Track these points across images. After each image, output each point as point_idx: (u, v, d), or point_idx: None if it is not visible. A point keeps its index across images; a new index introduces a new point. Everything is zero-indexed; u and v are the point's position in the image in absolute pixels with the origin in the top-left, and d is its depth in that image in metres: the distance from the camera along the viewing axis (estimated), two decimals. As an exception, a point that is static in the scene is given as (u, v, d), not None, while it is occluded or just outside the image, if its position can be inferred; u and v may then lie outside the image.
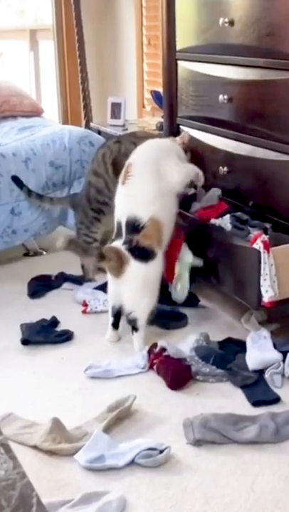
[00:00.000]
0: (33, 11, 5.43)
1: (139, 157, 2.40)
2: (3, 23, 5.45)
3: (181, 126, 2.89)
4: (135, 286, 2.26)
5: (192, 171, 2.46)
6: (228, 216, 2.43)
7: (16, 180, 3.00)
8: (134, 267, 2.24)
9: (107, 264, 2.28)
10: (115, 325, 2.39)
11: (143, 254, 2.24)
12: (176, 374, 2.09)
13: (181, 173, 2.40)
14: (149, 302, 2.29)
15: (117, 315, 2.37)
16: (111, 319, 2.38)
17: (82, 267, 2.90)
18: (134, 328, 2.30)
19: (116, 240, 2.31)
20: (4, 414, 1.90)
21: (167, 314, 2.50)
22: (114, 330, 2.39)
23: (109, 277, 2.32)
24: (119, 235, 2.30)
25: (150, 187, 2.32)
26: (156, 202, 2.30)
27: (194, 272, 2.51)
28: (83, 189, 2.91)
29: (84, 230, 2.85)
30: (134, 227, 2.26)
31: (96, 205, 2.81)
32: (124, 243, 2.26)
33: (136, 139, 2.79)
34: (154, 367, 2.16)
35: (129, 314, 2.30)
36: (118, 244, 2.28)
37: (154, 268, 2.27)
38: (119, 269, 2.25)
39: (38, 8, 5.28)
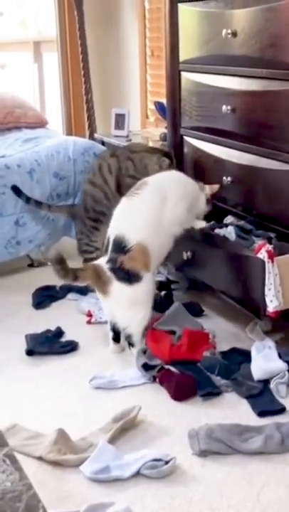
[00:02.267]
0: (37, 22, 5.48)
1: (156, 180, 2.38)
2: (7, 36, 5.50)
3: (185, 137, 2.90)
4: (123, 305, 2.24)
5: (192, 223, 2.41)
6: (232, 226, 2.44)
7: (14, 189, 3.01)
8: (118, 288, 2.21)
9: (86, 282, 2.27)
10: (116, 339, 2.38)
11: (126, 276, 2.21)
12: (180, 385, 2.08)
13: (180, 218, 2.35)
14: (142, 318, 2.26)
15: (116, 329, 2.35)
16: (111, 334, 2.37)
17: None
18: (131, 344, 2.30)
19: (104, 256, 2.28)
20: (9, 425, 1.90)
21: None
22: (115, 343, 2.38)
23: (98, 295, 2.31)
24: (106, 250, 2.28)
25: (149, 212, 2.28)
26: (150, 229, 2.25)
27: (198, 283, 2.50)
28: (80, 199, 2.94)
29: (85, 239, 2.88)
30: (120, 247, 2.22)
31: (93, 214, 2.84)
32: (108, 261, 2.23)
33: (131, 153, 2.83)
34: (157, 379, 2.16)
35: (123, 330, 2.29)
36: (102, 261, 2.26)
37: (142, 289, 2.23)
38: (103, 287, 2.23)
39: (42, 20, 5.33)
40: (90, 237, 2.86)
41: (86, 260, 2.87)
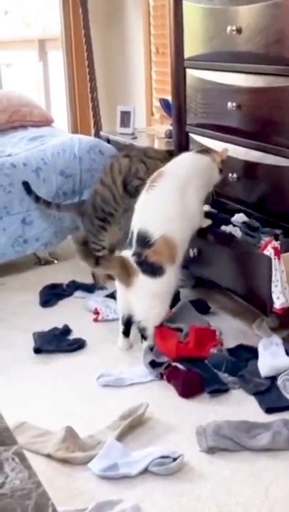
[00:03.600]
0: (41, 21, 5.48)
1: (172, 169, 2.38)
2: (12, 34, 5.51)
3: (190, 134, 2.90)
4: (145, 298, 2.26)
5: (201, 220, 2.42)
6: (238, 223, 2.44)
7: (25, 185, 3.02)
8: (143, 281, 2.24)
9: (110, 271, 2.30)
10: (126, 333, 2.39)
11: (151, 269, 2.24)
12: (187, 382, 2.09)
13: (199, 211, 2.37)
14: (159, 312, 2.29)
15: (128, 323, 2.37)
16: (121, 327, 2.39)
17: (93, 275, 2.92)
18: (144, 337, 2.31)
19: (127, 248, 2.31)
20: (18, 423, 1.91)
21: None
22: (125, 338, 2.40)
23: (118, 287, 2.33)
24: (131, 243, 2.30)
25: (171, 204, 2.29)
26: (172, 221, 2.27)
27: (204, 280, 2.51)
28: (90, 197, 2.94)
29: (92, 237, 2.88)
30: (144, 241, 2.25)
31: (101, 214, 2.84)
32: (134, 255, 2.26)
33: (146, 157, 2.81)
34: (164, 376, 2.16)
35: (139, 323, 2.30)
36: (128, 254, 2.28)
37: (164, 282, 2.26)
38: (127, 279, 2.25)
39: (46, 18, 5.33)
40: (97, 236, 2.87)
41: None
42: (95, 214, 2.86)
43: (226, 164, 2.47)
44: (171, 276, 2.28)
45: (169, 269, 2.26)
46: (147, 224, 2.26)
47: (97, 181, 2.91)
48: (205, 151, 2.50)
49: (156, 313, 2.29)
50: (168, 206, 2.29)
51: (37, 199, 3.03)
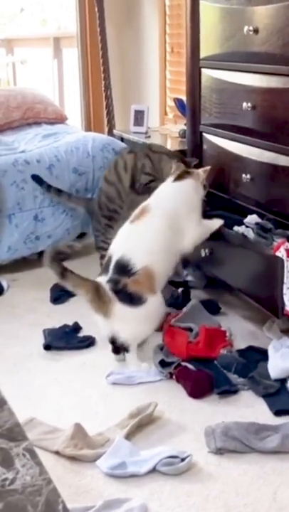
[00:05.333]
0: (56, 19, 5.50)
1: (159, 203, 2.31)
2: (27, 31, 5.52)
3: (204, 134, 2.89)
4: (126, 323, 2.18)
5: (209, 230, 2.38)
6: (251, 224, 2.43)
7: (36, 178, 3.04)
8: (121, 309, 2.14)
9: (79, 292, 2.18)
10: (116, 351, 2.29)
11: (130, 299, 2.14)
12: (197, 383, 2.08)
13: (196, 235, 2.32)
14: (144, 332, 2.23)
15: (114, 342, 2.25)
16: (111, 346, 2.29)
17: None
18: (126, 350, 2.24)
19: (102, 274, 2.21)
20: (27, 419, 1.91)
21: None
22: (117, 355, 2.30)
23: (96, 314, 2.20)
24: (106, 269, 2.21)
25: (158, 239, 2.23)
26: (157, 254, 2.20)
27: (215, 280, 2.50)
28: (96, 196, 2.95)
29: (100, 236, 2.90)
30: (123, 269, 2.15)
31: (107, 212, 2.85)
32: (109, 281, 2.16)
33: (151, 152, 2.80)
34: (174, 376, 2.16)
35: (122, 343, 2.22)
36: (102, 280, 2.18)
37: (146, 309, 2.17)
38: (102, 307, 2.15)
39: (61, 17, 5.34)
40: (105, 235, 2.87)
41: (102, 256, 2.88)
42: (101, 213, 2.86)
43: (208, 177, 2.49)
44: (153, 303, 2.18)
45: (150, 298, 2.17)
46: (130, 253, 2.17)
47: (102, 179, 2.91)
48: (183, 175, 2.42)
49: (140, 334, 2.22)
50: (154, 240, 2.22)
51: (48, 188, 3.05)
